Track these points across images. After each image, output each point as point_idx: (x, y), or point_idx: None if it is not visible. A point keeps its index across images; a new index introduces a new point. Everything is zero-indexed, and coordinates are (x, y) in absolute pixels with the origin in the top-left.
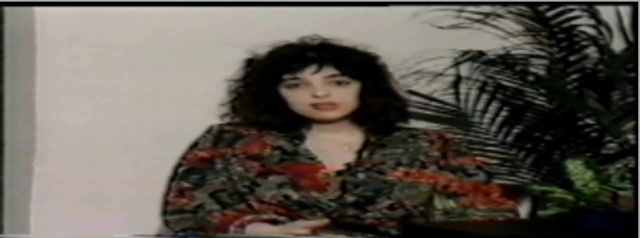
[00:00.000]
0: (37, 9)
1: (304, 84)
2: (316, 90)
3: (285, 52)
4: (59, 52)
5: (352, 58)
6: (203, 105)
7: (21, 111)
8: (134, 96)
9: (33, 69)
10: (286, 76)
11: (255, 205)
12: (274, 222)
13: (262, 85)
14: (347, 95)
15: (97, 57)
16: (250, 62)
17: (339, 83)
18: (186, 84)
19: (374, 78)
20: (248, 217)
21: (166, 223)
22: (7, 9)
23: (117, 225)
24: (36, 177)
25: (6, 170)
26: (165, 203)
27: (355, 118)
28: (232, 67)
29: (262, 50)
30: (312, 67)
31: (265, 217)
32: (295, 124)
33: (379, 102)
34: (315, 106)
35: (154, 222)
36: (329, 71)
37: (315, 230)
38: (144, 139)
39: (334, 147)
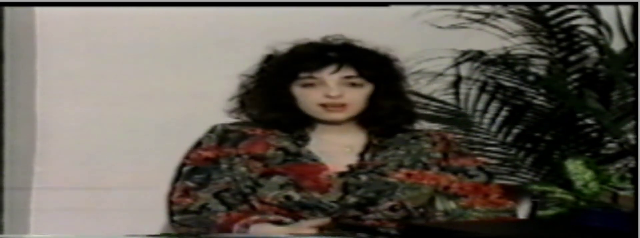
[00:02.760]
0: (37, 9)
1: (319, 84)
2: (330, 90)
3: (307, 50)
4: (59, 52)
5: (372, 60)
6: (203, 105)
7: (21, 111)
8: (134, 96)
9: (33, 69)
10: (303, 75)
11: (257, 205)
12: (279, 223)
13: (275, 81)
14: (358, 97)
15: (97, 57)
16: (269, 59)
17: (353, 84)
18: (186, 83)
19: (389, 81)
20: (253, 217)
21: (172, 223)
22: (7, 9)
23: (116, 225)
24: (36, 177)
25: (6, 170)
26: (170, 203)
27: (362, 119)
28: (232, 66)
29: (283, 47)
30: (331, 68)
31: (271, 217)
32: (301, 124)
33: (389, 105)
34: (325, 106)
35: (153, 222)
36: (348, 71)
37: (321, 230)
38: (143, 139)
39: (337, 149)
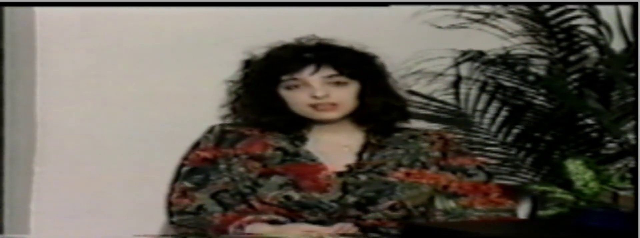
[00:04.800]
0: (37, 9)
1: (303, 85)
2: (315, 91)
3: (283, 53)
4: (59, 53)
5: (349, 58)
6: (203, 105)
7: (21, 111)
8: (134, 96)
9: (33, 69)
10: (284, 77)
11: (256, 205)
12: (273, 222)
13: (260, 86)
14: (346, 95)
15: (97, 57)
16: (247, 64)
17: (337, 83)
18: (186, 84)
19: (373, 78)
20: (247, 218)
21: (171, 223)
22: (7, 9)
23: (117, 226)
24: (36, 177)
25: (6, 170)
26: (169, 203)
27: (356, 118)
28: (232, 67)
29: (259, 51)
30: (310, 68)
31: (264, 217)
32: (297, 125)
33: (379, 102)
34: (315, 106)
35: (154, 222)
36: (327, 71)
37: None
38: (144, 140)
39: (335, 149)
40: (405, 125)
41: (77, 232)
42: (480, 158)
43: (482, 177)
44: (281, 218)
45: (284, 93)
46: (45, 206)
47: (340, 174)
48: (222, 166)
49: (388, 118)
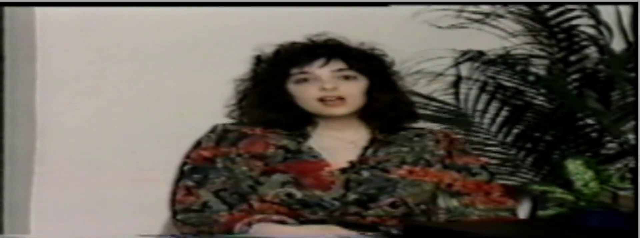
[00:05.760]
0: (37, 9)
1: (313, 79)
2: (324, 83)
3: (294, 48)
4: (59, 53)
5: (359, 53)
6: (203, 106)
7: (21, 111)
8: (134, 96)
9: (33, 69)
10: (294, 71)
11: (257, 204)
12: (281, 223)
13: (270, 81)
14: (354, 90)
15: (97, 57)
16: (258, 60)
17: (346, 77)
18: (186, 84)
19: (382, 75)
20: (258, 216)
21: (176, 222)
22: (7, 9)
23: (117, 226)
24: (36, 177)
25: (6, 170)
26: (174, 202)
27: (363, 114)
28: (232, 67)
29: (270, 48)
30: (320, 61)
31: (275, 217)
32: (302, 122)
33: (388, 98)
34: (323, 100)
35: (154, 222)
36: (337, 64)
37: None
38: (144, 140)
39: (339, 145)
40: (412, 124)
41: (76, 232)
42: (480, 158)
43: (485, 176)
44: (290, 220)
45: (292, 87)
46: (45, 206)
47: (343, 170)
48: (220, 165)
49: (396, 115)
